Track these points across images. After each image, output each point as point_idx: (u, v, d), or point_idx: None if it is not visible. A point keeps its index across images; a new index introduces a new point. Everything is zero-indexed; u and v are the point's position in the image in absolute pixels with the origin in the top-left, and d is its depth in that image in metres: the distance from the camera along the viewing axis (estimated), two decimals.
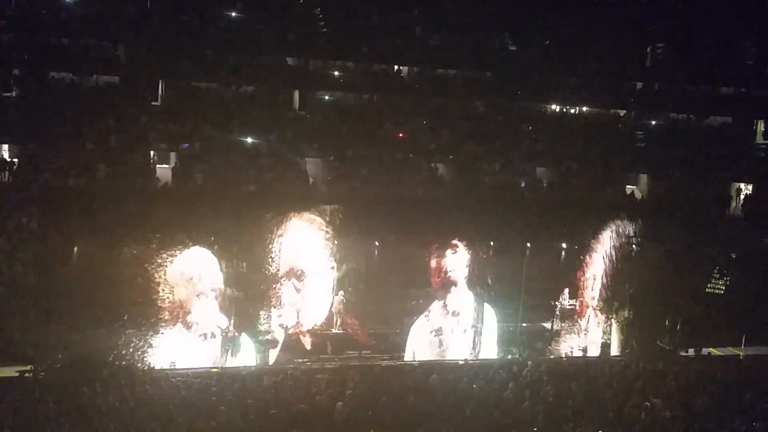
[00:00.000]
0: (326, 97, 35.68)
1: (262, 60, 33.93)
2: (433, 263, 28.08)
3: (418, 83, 36.21)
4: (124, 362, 22.33)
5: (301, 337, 26.60)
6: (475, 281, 28.12)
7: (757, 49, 40.31)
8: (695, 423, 19.87)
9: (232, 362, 24.73)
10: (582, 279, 29.08)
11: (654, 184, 35.69)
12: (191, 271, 24.52)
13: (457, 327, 28.05)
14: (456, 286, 28.01)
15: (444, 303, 27.96)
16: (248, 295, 25.61)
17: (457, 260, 28.24)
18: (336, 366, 24.26)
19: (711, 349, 27.59)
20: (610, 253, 28.87)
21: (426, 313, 27.92)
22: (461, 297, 28.05)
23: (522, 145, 35.14)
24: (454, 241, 28.12)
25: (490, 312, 28.29)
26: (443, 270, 28.10)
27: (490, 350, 28.17)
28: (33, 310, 23.73)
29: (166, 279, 24.23)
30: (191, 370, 22.49)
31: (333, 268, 26.93)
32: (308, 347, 26.58)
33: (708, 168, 36.02)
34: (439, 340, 27.87)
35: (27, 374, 20.34)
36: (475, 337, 28.04)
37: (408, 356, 27.41)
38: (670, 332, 28.46)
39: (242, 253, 25.56)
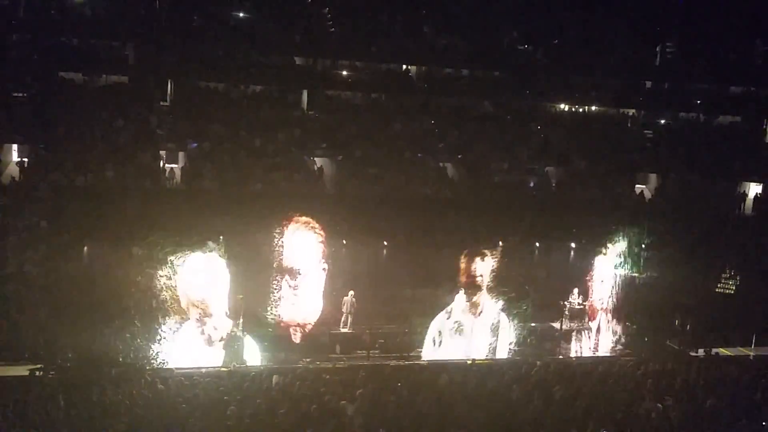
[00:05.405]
0: (334, 97, 35.71)
1: (270, 60, 34.03)
2: (442, 264, 27.92)
3: (426, 83, 36.24)
4: (133, 361, 22.37)
5: (293, 332, 26.29)
6: (483, 281, 27.91)
7: (767, 48, 40.19)
8: (705, 423, 19.76)
9: (240, 362, 24.70)
10: (591, 278, 28.94)
11: (663, 184, 35.61)
12: (200, 271, 24.46)
13: (463, 328, 27.85)
14: (463, 286, 27.79)
15: (451, 304, 27.76)
16: (255, 294, 25.55)
17: (463, 261, 28.03)
18: (345, 366, 24.20)
19: (720, 349, 27.43)
20: (619, 252, 28.72)
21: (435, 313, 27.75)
22: (468, 298, 27.82)
23: (531, 144, 35.11)
24: (462, 242, 27.92)
25: (500, 312, 28.07)
26: (451, 270, 27.92)
27: (503, 350, 27.95)
28: (43, 308, 23.82)
29: (175, 278, 24.22)
30: (201, 370, 22.49)
31: (325, 268, 26.50)
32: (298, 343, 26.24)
33: (717, 167, 35.92)
34: (441, 342, 27.67)
35: (37, 372, 20.41)
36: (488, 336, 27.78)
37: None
38: (680, 332, 28.33)
39: (251, 253, 25.52)
